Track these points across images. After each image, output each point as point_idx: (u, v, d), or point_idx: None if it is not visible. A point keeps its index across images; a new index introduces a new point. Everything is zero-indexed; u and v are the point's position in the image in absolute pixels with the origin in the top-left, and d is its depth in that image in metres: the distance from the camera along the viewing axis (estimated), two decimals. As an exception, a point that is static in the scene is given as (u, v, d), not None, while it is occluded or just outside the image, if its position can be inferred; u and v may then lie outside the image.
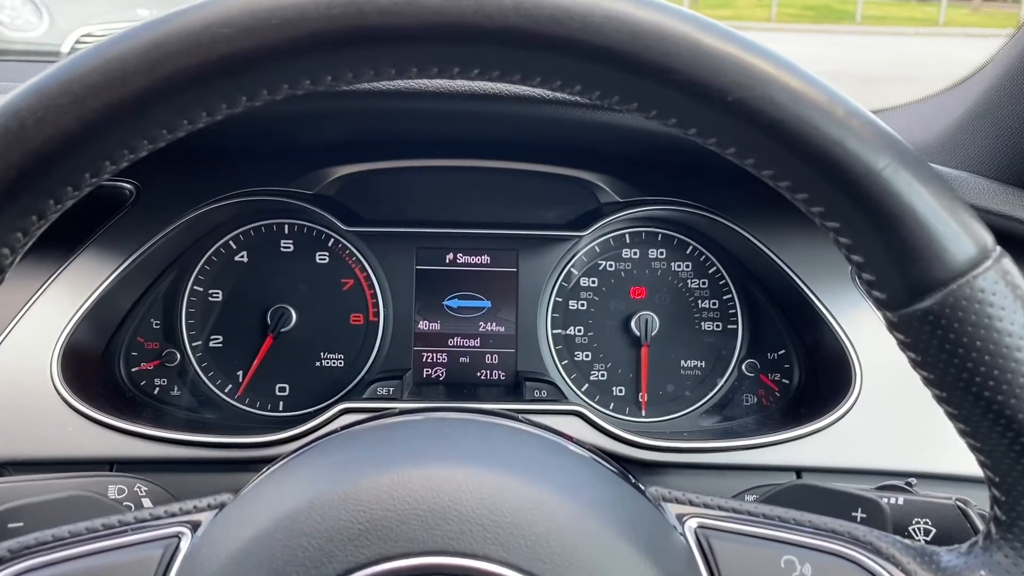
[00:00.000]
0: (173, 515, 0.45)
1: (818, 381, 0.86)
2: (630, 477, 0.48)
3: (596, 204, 0.90)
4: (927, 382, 0.41)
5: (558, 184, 0.90)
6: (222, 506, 0.46)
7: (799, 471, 0.76)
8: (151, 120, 0.38)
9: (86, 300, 0.78)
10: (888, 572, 0.43)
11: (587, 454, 0.48)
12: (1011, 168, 0.80)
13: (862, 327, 0.81)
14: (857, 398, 0.77)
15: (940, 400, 0.41)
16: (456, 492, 0.40)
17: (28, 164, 0.36)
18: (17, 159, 0.36)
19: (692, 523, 0.45)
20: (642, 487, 0.48)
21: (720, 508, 0.47)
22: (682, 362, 0.92)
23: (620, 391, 0.91)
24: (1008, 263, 0.38)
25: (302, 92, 0.39)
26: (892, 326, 0.41)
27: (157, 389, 0.88)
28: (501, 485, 0.41)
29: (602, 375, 0.92)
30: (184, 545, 0.43)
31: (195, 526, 0.44)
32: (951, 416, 0.41)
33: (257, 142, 0.85)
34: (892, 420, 0.76)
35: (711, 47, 0.37)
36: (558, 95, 0.71)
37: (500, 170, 0.90)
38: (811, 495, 0.56)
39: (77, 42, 1.59)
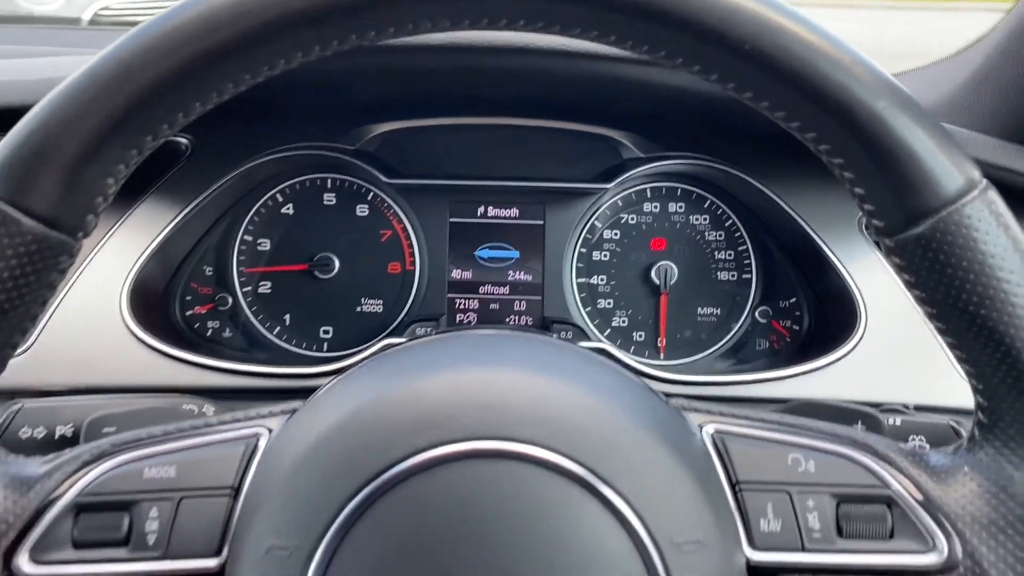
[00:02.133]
0: (251, 418, 0.52)
1: (826, 326, 0.92)
2: (654, 389, 0.55)
3: (619, 160, 0.96)
4: (919, 300, 0.46)
5: (583, 141, 0.96)
6: (293, 411, 0.52)
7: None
8: (238, 66, 0.44)
9: (149, 244, 0.85)
10: (883, 469, 0.50)
11: (615, 365, 0.54)
12: (1014, 127, 0.85)
13: (868, 273, 0.87)
14: (862, 337, 0.83)
15: (931, 317, 0.46)
16: (504, 388, 0.47)
17: (133, 103, 0.43)
18: (123, 99, 0.42)
19: (710, 428, 0.51)
20: (664, 398, 0.54)
21: (734, 416, 0.53)
22: (699, 309, 0.98)
23: (640, 336, 0.98)
24: (993, 194, 0.44)
25: (367, 44, 0.45)
26: (889, 251, 0.46)
27: (210, 331, 0.95)
28: (546, 384, 0.48)
29: (623, 321, 0.98)
30: (262, 444, 0.50)
31: (270, 429, 0.51)
32: (941, 331, 0.47)
33: (302, 100, 0.91)
34: (894, 358, 0.83)
35: (734, 2, 0.43)
36: (589, 48, 0.77)
37: (529, 128, 0.96)
38: (816, 410, 0.62)
39: (96, 14, 1.64)
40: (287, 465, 0.47)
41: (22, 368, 0.76)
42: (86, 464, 0.48)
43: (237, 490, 0.48)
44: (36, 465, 0.48)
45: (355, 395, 0.49)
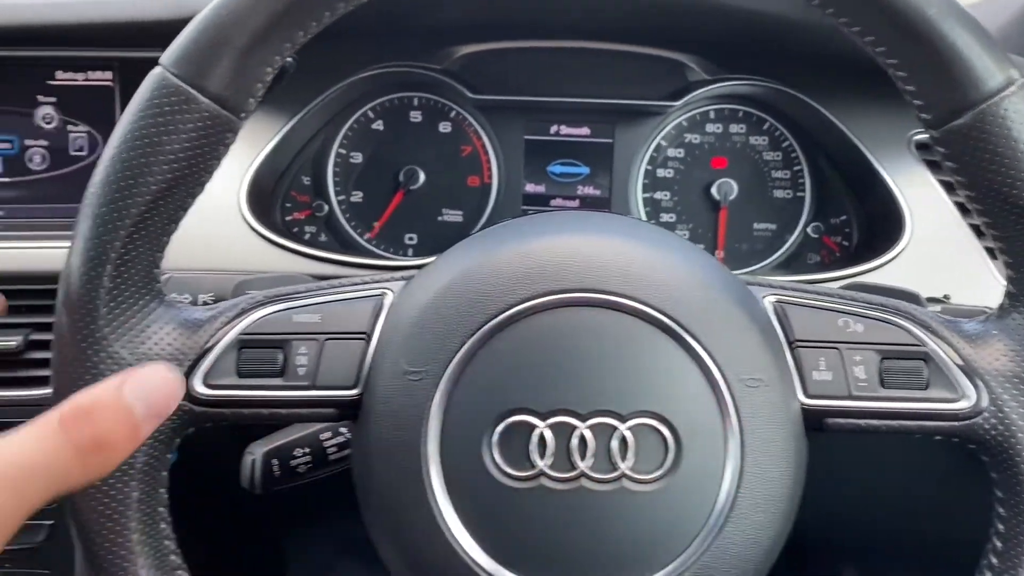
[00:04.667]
0: (376, 281, 0.61)
1: (874, 241, 0.99)
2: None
3: (685, 82, 1.03)
4: (960, 185, 0.54)
5: (651, 63, 1.03)
6: (411, 277, 0.61)
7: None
8: None
9: (261, 150, 0.95)
10: (921, 332, 0.57)
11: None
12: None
13: (916, 189, 0.93)
14: (906, 245, 0.90)
15: (970, 200, 0.54)
16: (603, 250, 0.55)
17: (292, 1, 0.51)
18: None
19: (771, 298, 0.59)
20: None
21: (792, 289, 0.61)
22: (755, 224, 1.05)
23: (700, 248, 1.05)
24: None
25: None
26: (935, 141, 0.54)
27: (307, 235, 1.05)
28: (635, 247, 0.56)
29: (684, 234, 1.06)
30: (388, 301, 0.59)
31: (391, 290, 0.60)
32: (978, 212, 0.54)
33: (393, 23, 1.00)
34: (935, 264, 0.90)
35: None
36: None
37: (600, 51, 1.04)
38: (863, 289, 0.70)
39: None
40: (417, 310, 0.56)
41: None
42: (244, 311, 0.57)
43: (370, 335, 0.57)
44: (202, 312, 0.57)
45: (471, 254, 0.58)
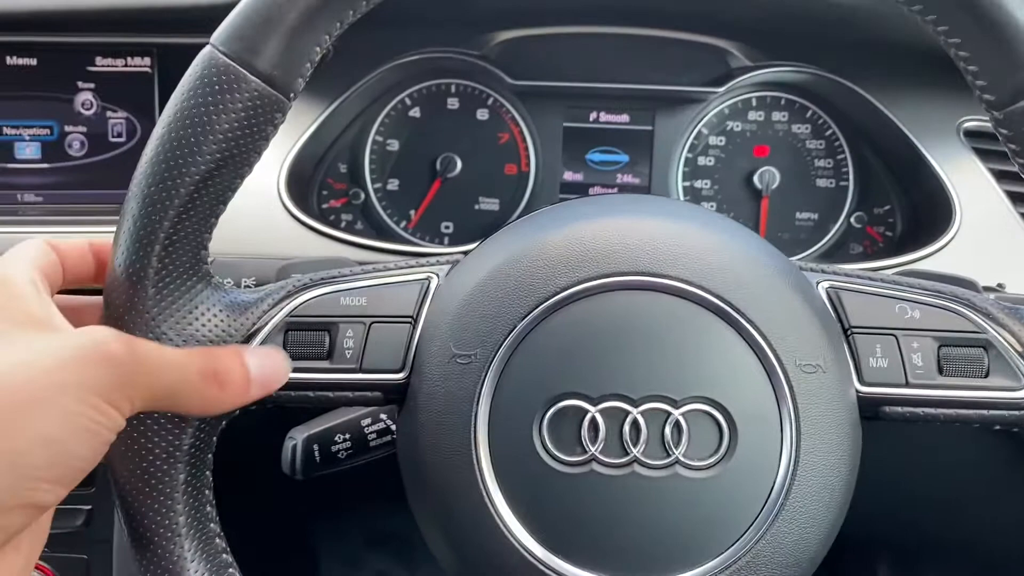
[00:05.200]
0: (421, 265, 0.60)
1: (919, 231, 0.97)
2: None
3: (727, 68, 1.01)
4: (1022, 168, 0.53)
5: (692, 50, 1.02)
6: (456, 262, 0.61)
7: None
8: None
9: (300, 136, 0.94)
10: (981, 319, 0.56)
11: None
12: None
13: (965, 177, 0.91)
14: (956, 234, 0.88)
15: None
16: (655, 232, 0.54)
17: None
18: None
19: (825, 283, 0.58)
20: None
21: (847, 275, 0.60)
22: (797, 213, 1.04)
23: (741, 237, 1.04)
24: None
25: None
26: (998, 123, 0.52)
27: (344, 223, 1.05)
28: (689, 230, 0.55)
29: (725, 223, 1.04)
30: (433, 285, 0.59)
31: (437, 274, 0.59)
32: None
33: (430, 9, 0.99)
34: (986, 255, 0.88)
35: None
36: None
37: (640, 37, 1.02)
38: (919, 276, 0.68)
39: None
40: (464, 293, 0.55)
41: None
42: (290, 294, 0.57)
43: (416, 319, 0.57)
44: (249, 294, 0.57)
45: (521, 238, 0.57)
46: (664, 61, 1.02)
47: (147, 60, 0.99)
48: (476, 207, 1.06)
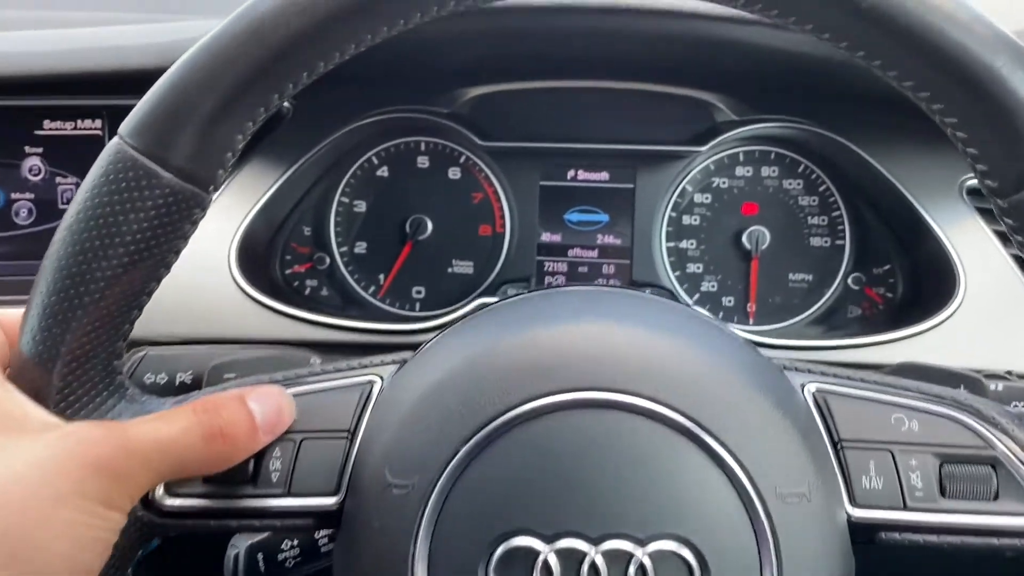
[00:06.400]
0: (364, 367, 0.54)
1: (921, 293, 0.91)
2: (755, 346, 0.55)
3: (712, 122, 0.95)
4: None
5: (675, 103, 0.96)
6: (404, 361, 0.55)
7: (902, 369, 0.81)
8: (359, 27, 0.45)
9: (255, 204, 0.88)
10: (988, 431, 0.49)
11: (718, 321, 0.55)
12: None
13: (968, 240, 0.85)
14: (961, 303, 0.81)
15: None
16: (616, 341, 0.48)
17: (264, 61, 0.45)
18: (256, 57, 0.45)
19: (811, 387, 0.52)
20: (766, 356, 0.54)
21: (836, 376, 0.53)
22: (790, 275, 0.97)
23: (729, 301, 0.98)
24: None
25: (462, 9, 0.46)
26: (1002, 212, 0.46)
27: (308, 289, 0.99)
28: (653, 338, 0.49)
29: (712, 286, 0.98)
30: (375, 390, 0.52)
31: (382, 377, 0.53)
32: None
33: (397, 65, 0.93)
34: (993, 325, 0.81)
35: None
36: (685, 7, 0.77)
37: (620, 91, 0.96)
38: (917, 373, 0.62)
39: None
40: (404, 408, 0.49)
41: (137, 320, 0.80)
42: None
43: (353, 433, 0.50)
44: (168, 405, 0.51)
45: (469, 344, 0.51)
46: (645, 115, 0.96)
47: (98, 122, 0.93)
48: (449, 270, 1.00)
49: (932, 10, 0.42)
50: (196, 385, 0.66)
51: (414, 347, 0.55)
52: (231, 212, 0.87)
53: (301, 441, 0.50)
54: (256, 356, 0.61)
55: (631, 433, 0.46)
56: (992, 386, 0.63)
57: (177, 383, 0.67)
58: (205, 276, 0.83)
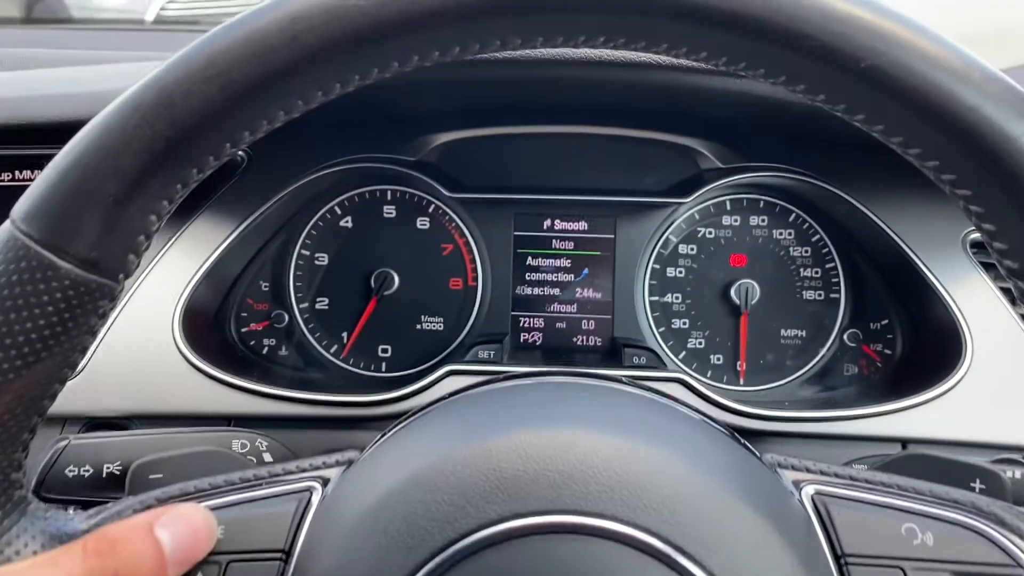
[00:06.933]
0: (304, 470, 0.48)
1: (923, 352, 0.85)
2: (744, 442, 0.49)
3: (697, 170, 0.89)
4: None
5: (658, 150, 0.90)
6: (350, 463, 0.48)
7: (905, 442, 0.75)
8: (289, 91, 0.39)
9: (203, 263, 0.81)
10: (1013, 543, 0.43)
11: (699, 417, 0.49)
12: None
13: (973, 298, 0.79)
14: (968, 369, 0.75)
15: None
16: (582, 454, 0.41)
17: (176, 134, 0.38)
18: (165, 129, 0.38)
19: (809, 489, 0.46)
20: (757, 453, 0.48)
21: (837, 476, 0.47)
22: (782, 331, 0.91)
23: (718, 359, 0.91)
24: None
25: (429, 63, 0.40)
26: (1023, 294, 0.40)
27: (266, 349, 0.92)
28: (624, 448, 0.42)
29: (700, 343, 0.92)
30: (315, 499, 0.46)
31: (325, 481, 0.47)
32: None
33: (361, 111, 0.87)
34: (1004, 393, 0.75)
35: (843, 11, 0.37)
36: (671, 61, 0.71)
37: (599, 136, 0.90)
38: (926, 465, 0.56)
39: (162, 9, 1.63)
40: (344, 528, 0.42)
41: (72, 393, 0.73)
42: None
43: (288, 553, 0.44)
44: (78, 521, 0.44)
45: (418, 452, 0.44)
46: (625, 163, 0.90)
47: (36, 173, 0.87)
48: (418, 327, 0.93)
49: (940, 68, 0.37)
50: (124, 477, 0.59)
51: (376, 420, 0.49)
52: (176, 274, 0.80)
53: (227, 564, 0.44)
54: (183, 454, 0.54)
55: (602, 562, 0.40)
56: (1008, 473, 0.57)
57: (104, 475, 0.60)
58: (148, 346, 0.76)
